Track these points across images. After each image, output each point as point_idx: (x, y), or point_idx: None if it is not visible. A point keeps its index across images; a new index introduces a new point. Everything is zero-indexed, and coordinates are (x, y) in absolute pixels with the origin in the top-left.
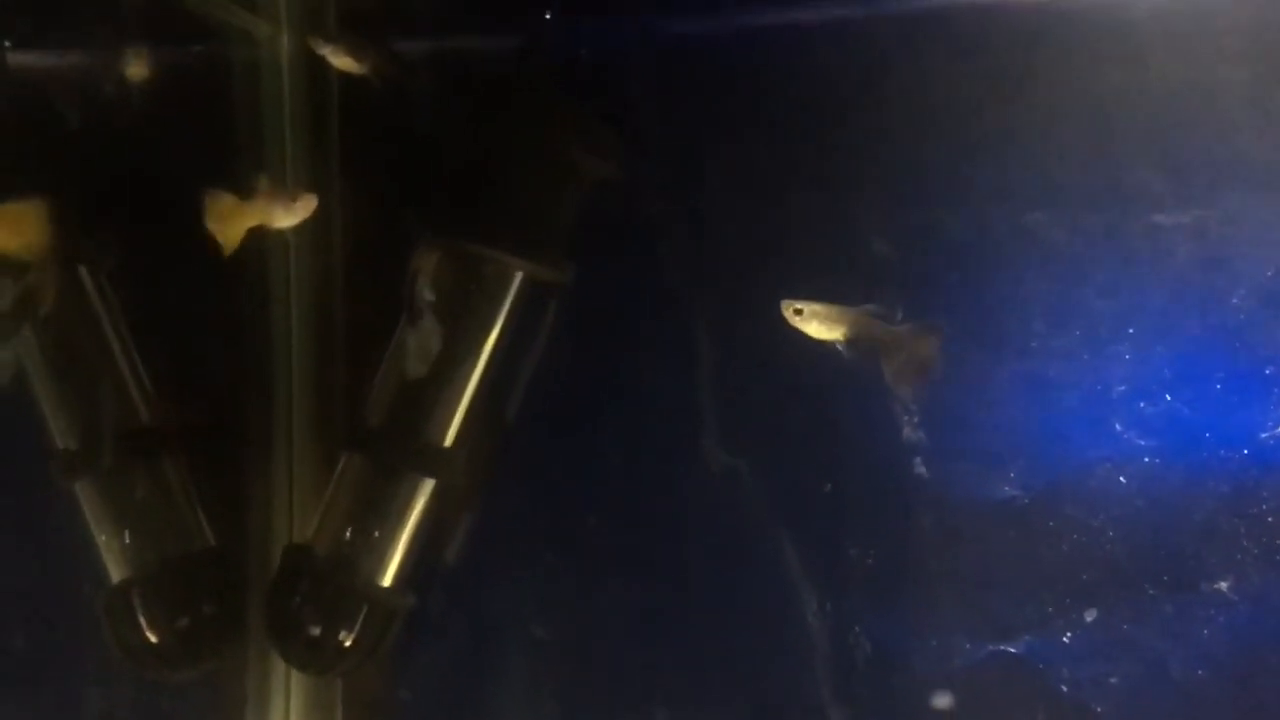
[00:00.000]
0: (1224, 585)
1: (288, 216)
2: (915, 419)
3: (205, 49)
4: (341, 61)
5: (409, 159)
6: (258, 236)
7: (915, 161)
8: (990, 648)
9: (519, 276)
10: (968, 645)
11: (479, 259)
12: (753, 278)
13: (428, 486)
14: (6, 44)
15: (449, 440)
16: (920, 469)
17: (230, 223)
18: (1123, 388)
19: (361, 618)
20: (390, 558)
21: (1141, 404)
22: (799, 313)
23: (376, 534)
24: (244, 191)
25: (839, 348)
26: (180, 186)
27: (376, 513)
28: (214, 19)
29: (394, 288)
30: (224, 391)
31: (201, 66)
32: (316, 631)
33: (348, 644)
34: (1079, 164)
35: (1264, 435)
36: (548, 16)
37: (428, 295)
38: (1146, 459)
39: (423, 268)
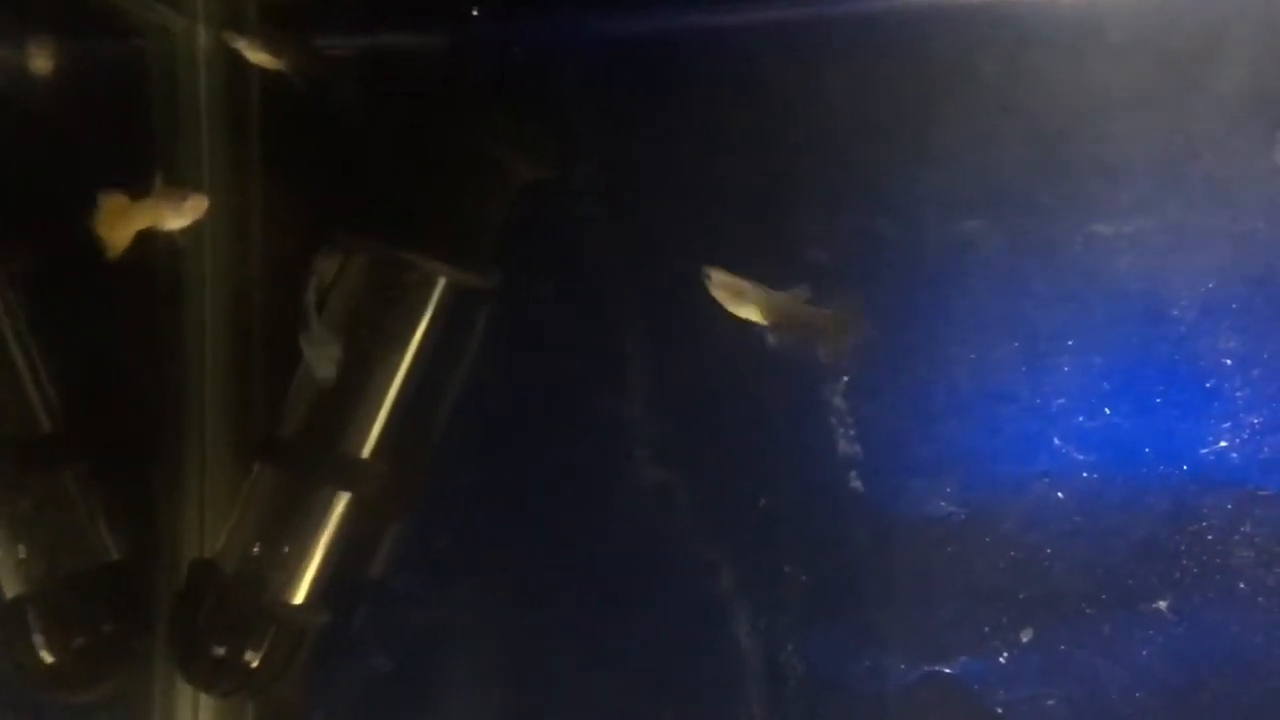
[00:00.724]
0: (1163, 605)
1: (178, 218)
2: (851, 433)
3: (118, 42)
4: (258, 57)
5: (332, 159)
6: (171, 239)
7: (852, 167)
8: (925, 668)
9: (442, 283)
10: (902, 665)
11: (401, 264)
12: (687, 284)
13: (343, 500)
14: None
15: (367, 452)
16: (856, 484)
17: (119, 224)
18: (1061, 401)
19: (270, 637)
20: (302, 574)
21: (1080, 418)
22: (709, 279)
23: (287, 549)
24: (138, 192)
25: (763, 331)
26: (91, 185)
27: (288, 527)
28: (127, 11)
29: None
30: (134, 399)
31: (114, 60)
32: (221, 651)
33: (255, 664)
34: (1018, 171)
35: (1204, 451)
36: (475, 14)
37: (328, 300)
38: (1085, 474)
39: (322, 271)
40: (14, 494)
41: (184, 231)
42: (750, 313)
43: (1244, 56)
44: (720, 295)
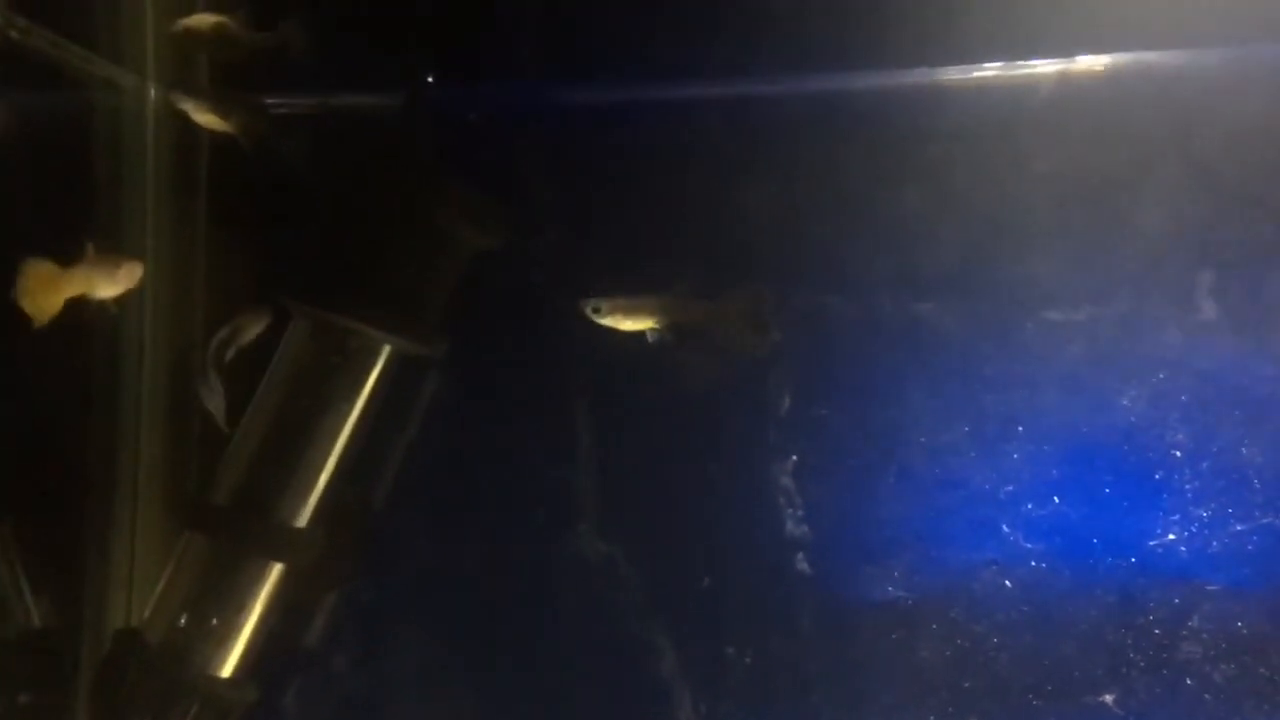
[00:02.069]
0: (1109, 698)
1: (111, 286)
2: (800, 513)
3: (63, 98)
4: (205, 118)
5: (279, 221)
6: (104, 306)
7: (805, 243)
8: None
9: (387, 350)
10: None
11: (344, 331)
12: (637, 355)
13: (274, 570)
14: None
15: (303, 520)
16: (803, 565)
17: (46, 293)
18: (1010, 488)
19: (192, 713)
20: (230, 647)
21: (1029, 505)
22: (597, 310)
23: (215, 621)
24: (66, 260)
25: (658, 336)
26: (29, 239)
27: (217, 597)
28: (74, 67)
29: (258, 355)
30: (63, 459)
31: (60, 116)
32: None
33: None
34: (973, 255)
35: (1152, 543)
36: (430, 80)
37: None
38: (1033, 563)
39: (241, 325)
40: None
41: (118, 299)
42: (649, 323)
43: None
44: (614, 320)
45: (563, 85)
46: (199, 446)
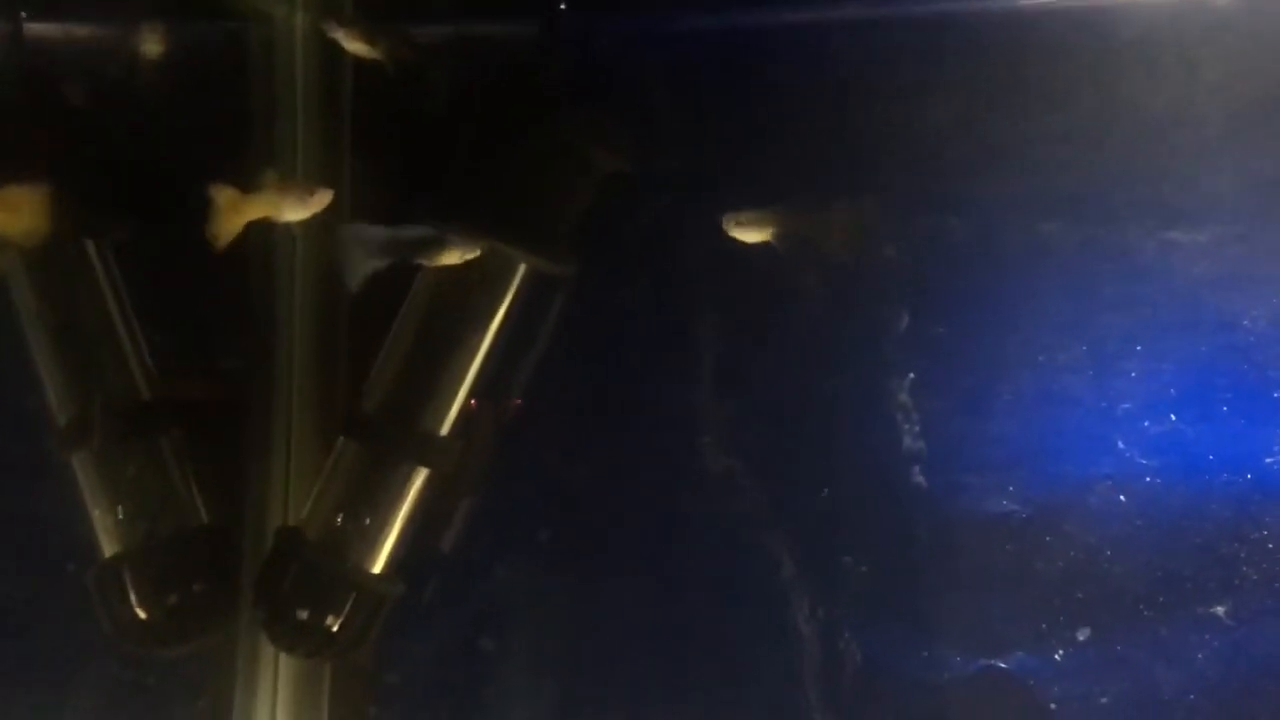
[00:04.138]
0: (1220, 610)
1: (301, 209)
2: (916, 428)
3: (220, 27)
4: (355, 46)
5: (420, 146)
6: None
7: (929, 166)
8: (981, 662)
9: (523, 269)
10: (958, 658)
11: (484, 250)
12: (760, 278)
13: (421, 475)
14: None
15: (445, 429)
16: (919, 478)
17: (230, 218)
18: (1127, 405)
19: (350, 604)
20: (381, 545)
21: (1146, 423)
22: (740, 224)
23: (368, 521)
24: (249, 185)
25: (775, 246)
26: (191, 164)
27: (369, 500)
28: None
29: (399, 275)
30: (225, 371)
31: (215, 45)
32: (305, 615)
33: (335, 629)
34: (1095, 176)
35: (1269, 460)
36: (562, 6)
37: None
38: (1148, 479)
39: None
40: (118, 459)
41: (302, 223)
42: (755, 235)
43: None
44: (735, 231)
45: (690, 11)
46: (347, 361)
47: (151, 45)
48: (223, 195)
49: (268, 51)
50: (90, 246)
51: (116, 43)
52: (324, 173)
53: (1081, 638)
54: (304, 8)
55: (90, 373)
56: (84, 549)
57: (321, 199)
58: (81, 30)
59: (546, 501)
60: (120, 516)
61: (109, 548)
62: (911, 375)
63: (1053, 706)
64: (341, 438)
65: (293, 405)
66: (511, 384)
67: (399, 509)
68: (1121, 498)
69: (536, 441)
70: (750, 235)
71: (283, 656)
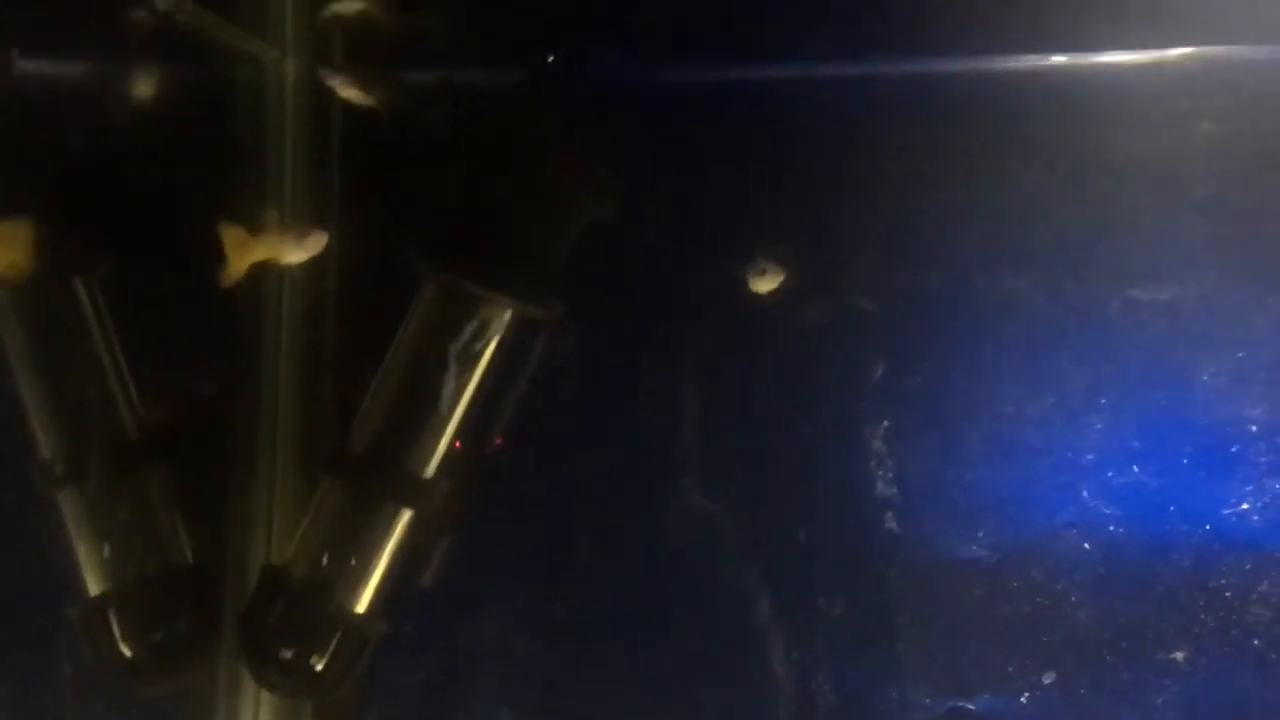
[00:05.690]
0: (1179, 655)
1: (297, 252)
2: (890, 475)
3: (211, 70)
4: (349, 93)
5: (410, 191)
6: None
7: (906, 222)
8: (950, 703)
9: (509, 314)
10: (928, 700)
11: (475, 298)
12: (742, 324)
13: (406, 516)
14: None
15: (430, 472)
16: (892, 524)
17: (238, 256)
18: (1091, 456)
19: (334, 644)
20: (365, 585)
21: (1109, 473)
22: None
23: (353, 561)
24: (253, 225)
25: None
26: (177, 204)
27: (354, 540)
28: (221, 42)
29: (386, 318)
30: (210, 409)
31: (206, 87)
32: (289, 654)
33: (319, 669)
34: (1065, 234)
35: (1227, 511)
36: (550, 60)
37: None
38: (1111, 527)
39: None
40: (108, 498)
41: (301, 265)
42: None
43: None
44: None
45: (679, 63)
46: (332, 404)
47: (142, 85)
48: (231, 235)
49: (258, 95)
50: (78, 284)
51: (107, 82)
52: (313, 216)
53: (1047, 681)
54: (294, 53)
55: (80, 411)
56: (67, 586)
57: (317, 242)
58: (72, 69)
59: (525, 541)
60: (107, 554)
61: (95, 585)
62: (886, 423)
63: None
64: (327, 478)
65: (277, 443)
66: (493, 424)
67: (384, 550)
68: (1086, 545)
69: (516, 481)
70: (768, 286)
71: (263, 695)
